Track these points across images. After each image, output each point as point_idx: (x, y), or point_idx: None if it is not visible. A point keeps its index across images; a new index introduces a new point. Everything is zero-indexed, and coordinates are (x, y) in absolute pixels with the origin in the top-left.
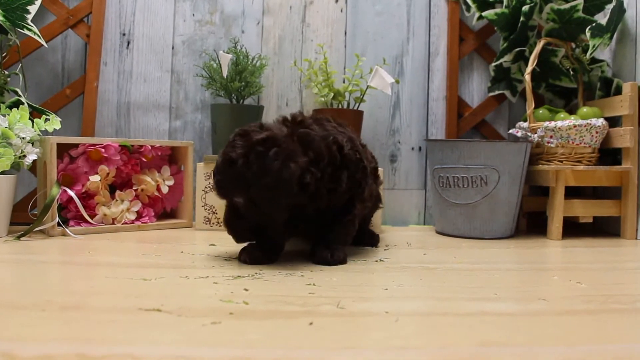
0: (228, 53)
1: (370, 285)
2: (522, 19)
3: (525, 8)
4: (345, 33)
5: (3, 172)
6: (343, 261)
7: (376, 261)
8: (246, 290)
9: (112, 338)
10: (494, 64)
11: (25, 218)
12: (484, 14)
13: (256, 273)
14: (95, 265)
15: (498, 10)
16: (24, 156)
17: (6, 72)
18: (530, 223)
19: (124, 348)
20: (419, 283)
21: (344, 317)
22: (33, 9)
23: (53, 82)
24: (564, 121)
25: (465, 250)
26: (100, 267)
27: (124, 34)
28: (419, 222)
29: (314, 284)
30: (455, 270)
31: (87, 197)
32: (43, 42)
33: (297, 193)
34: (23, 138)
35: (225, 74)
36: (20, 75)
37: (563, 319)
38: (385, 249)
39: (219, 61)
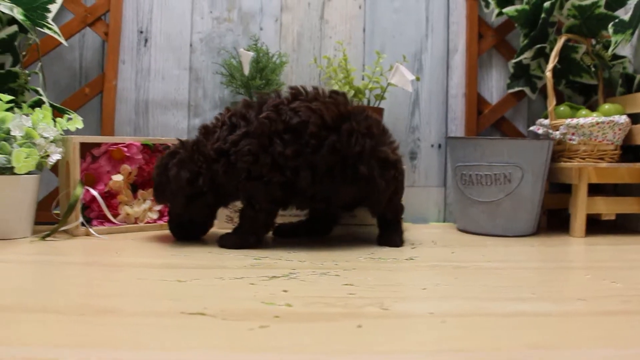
0: (248, 51)
1: (407, 285)
2: (542, 15)
3: (546, 4)
4: (364, 30)
5: (28, 173)
6: (234, 246)
7: (406, 259)
8: (285, 291)
9: (158, 344)
10: (514, 60)
11: (47, 217)
12: (504, 10)
13: (290, 273)
14: (125, 266)
15: (518, 6)
16: (47, 156)
17: (27, 72)
18: (550, 220)
19: (172, 354)
20: (454, 282)
21: (389, 319)
22: (54, 7)
23: (70, 80)
24: (587, 118)
25: (492, 249)
26: (130, 268)
27: (141, 32)
28: (439, 220)
29: (351, 284)
30: (486, 269)
31: (109, 197)
32: (63, 41)
33: (200, 193)
34: (46, 138)
35: (246, 71)
36: (40, 74)
37: (605, 319)
38: (412, 247)
39: (239, 59)
